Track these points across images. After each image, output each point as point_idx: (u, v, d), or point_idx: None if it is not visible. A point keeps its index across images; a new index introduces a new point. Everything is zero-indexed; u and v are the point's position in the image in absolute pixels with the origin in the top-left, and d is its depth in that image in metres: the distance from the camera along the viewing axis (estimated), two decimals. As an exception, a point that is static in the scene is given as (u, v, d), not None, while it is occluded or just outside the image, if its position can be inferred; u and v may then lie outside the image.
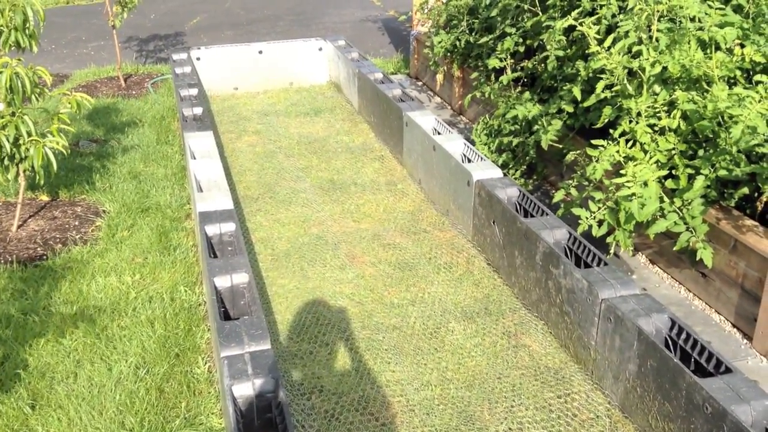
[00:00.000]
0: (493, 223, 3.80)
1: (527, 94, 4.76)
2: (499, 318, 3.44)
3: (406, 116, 5.03)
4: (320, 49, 7.12)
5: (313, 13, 10.84)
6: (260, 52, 6.97)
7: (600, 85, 3.54)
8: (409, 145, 5.04)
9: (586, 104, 3.72)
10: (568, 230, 3.38)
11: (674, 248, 3.50)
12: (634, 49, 3.50)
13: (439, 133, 4.75)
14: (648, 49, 3.39)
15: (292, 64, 7.09)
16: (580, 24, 3.63)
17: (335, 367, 3.11)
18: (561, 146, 4.38)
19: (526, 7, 4.57)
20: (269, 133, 5.98)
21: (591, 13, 4.10)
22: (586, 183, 3.84)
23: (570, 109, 3.91)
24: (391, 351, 3.21)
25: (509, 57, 4.83)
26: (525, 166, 4.90)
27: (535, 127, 4.42)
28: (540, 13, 4.50)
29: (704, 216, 3.43)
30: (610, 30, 3.84)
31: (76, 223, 4.38)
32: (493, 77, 5.18)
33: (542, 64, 4.70)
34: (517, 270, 3.58)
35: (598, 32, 3.69)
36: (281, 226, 4.39)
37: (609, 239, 3.64)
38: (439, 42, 5.97)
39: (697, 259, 3.38)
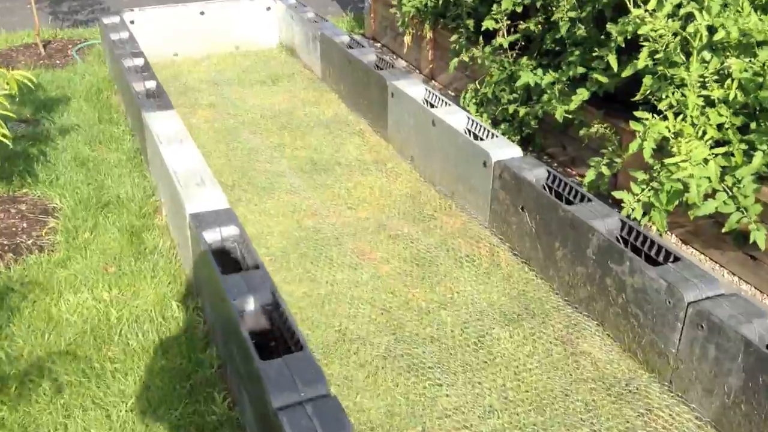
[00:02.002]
0: (522, 209, 3.40)
1: (525, 59, 4.35)
2: (546, 320, 3.06)
3: (392, 86, 4.53)
4: (268, 9, 6.46)
5: (242, -32, 9.99)
6: (201, 13, 6.25)
7: (644, 53, 3.16)
8: (396, 119, 4.56)
9: (625, 74, 3.33)
10: (621, 218, 3.02)
11: (723, 230, 3.20)
12: (681, 11, 3.12)
13: (433, 105, 4.28)
14: (702, 12, 3.02)
15: (237, 25, 6.41)
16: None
17: (380, 395, 2.66)
18: (571, 117, 4.00)
19: (528, -38, 4.12)
20: (225, 105, 5.35)
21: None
22: (617, 160, 3.49)
23: (605, 80, 3.52)
24: (437, 369, 2.79)
25: (505, 18, 4.38)
26: (520, 137, 4.51)
27: (545, 97, 4.01)
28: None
29: (757, 194, 3.14)
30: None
31: (24, 224, 3.71)
32: (481, 40, 4.73)
33: (542, 26, 4.28)
34: (557, 263, 3.20)
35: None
36: (269, 219, 3.85)
37: (643, 220, 3.31)
38: (410, 0, 5.45)
39: (751, 241, 3.10)
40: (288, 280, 3.33)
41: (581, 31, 3.86)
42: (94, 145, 4.61)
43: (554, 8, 4.02)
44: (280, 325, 2.45)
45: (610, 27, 3.36)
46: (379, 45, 6.73)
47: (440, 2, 5.17)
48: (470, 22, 5.05)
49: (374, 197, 4.09)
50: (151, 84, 4.53)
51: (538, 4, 4.16)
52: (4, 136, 3.50)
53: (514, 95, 4.41)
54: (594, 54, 3.53)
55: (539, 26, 4.23)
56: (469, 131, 3.97)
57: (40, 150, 4.47)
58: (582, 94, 3.60)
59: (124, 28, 5.60)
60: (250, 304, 2.51)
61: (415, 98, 4.33)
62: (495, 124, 4.60)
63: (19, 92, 3.66)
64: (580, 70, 3.78)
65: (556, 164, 4.47)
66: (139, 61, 4.93)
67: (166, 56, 6.24)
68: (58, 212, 3.83)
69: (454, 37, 5.14)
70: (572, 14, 3.81)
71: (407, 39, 5.83)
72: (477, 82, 4.75)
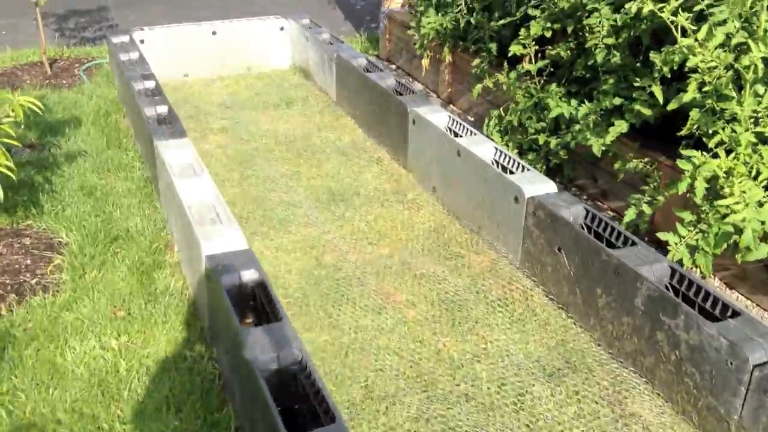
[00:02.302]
0: (559, 250, 3.18)
1: (554, 87, 4.14)
2: (589, 375, 2.84)
3: (413, 113, 4.32)
4: (282, 29, 6.28)
5: (251, -16, 9.84)
6: (213, 33, 6.07)
7: (692, 85, 2.95)
8: (417, 147, 4.35)
9: (670, 107, 3.12)
10: (670, 264, 2.80)
11: (776, 276, 2.98)
12: (734, 41, 2.92)
13: (457, 134, 4.08)
14: (757, 43, 2.81)
15: (249, 46, 6.23)
16: (660, 10, 3.01)
17: (413, 461, 2.44)
18: (605, 149, 3.79)
19: (560, -14, 3.92)
20: (238, 130, 5.15)
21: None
22: (659, 198, 3.27)
23: (648, 112, 3.30)
24: None
25: (533, 43, 4.18)
26: (546, 167, 4.31)
27: (576, 127, 3.80)
28: (577, -6, 3.86)
29: (814, 239, 2.92)
30: (697, 18, 3.24)
31: (28, 261, 3.50)
32: (505, 65, 4.52)
33: (572, 52, 4.08)
34: (599, 311, 2.98)
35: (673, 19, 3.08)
36: (287, 256, 3.63)
37: (686, 262, 3.09)
38: (429, 23, 5.26)
39: (807, 289, 2.88)
40: (308, 326, 3.11)
41: (616, 58, 3.66)
42: (102, 173, 4.41)
43: (587, 34, 3.82)
44: (307, 388, 2.23)
45: (653, 56, 3.15)
46: (394, 67, 6.54)
47: (461, 25, 4.97)
48: (493, 46, 4.86)
49: (396, 231, 3.87)
50: (162, 109, 4.33)
51: (569, 29, 3.96)
52: (8, 168, 3.30)
53: (542, 124, 4.21)
54: (635, 84, 3.31)
55: (569, 52, 4.03)
56: (497, 162, 3.76)
57: (45, 178, 4.27)
58: (620, 126, 3.39)
59: (134, 48, 5.41)
60: (274, 364, 2.29)
61: (438, 126, 4.13)
62: (521, 153, 4.39)
63: (24, 116, 3.46)
64: (617, 101, 3.57)
65: (585, 197, 4.25)
66: (150, 84, 4.74)
67: (176, 77, 6.05)
68: (64, 248, 3.62)
69: (476, 62, 4.95)
70: (609, 41, 3.60)
71: (425, 62, 5.64)
72: (501, 109, 4.55)
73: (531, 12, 4.16)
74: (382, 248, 3.72)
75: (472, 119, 5.39)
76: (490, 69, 4.90)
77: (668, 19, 2.96)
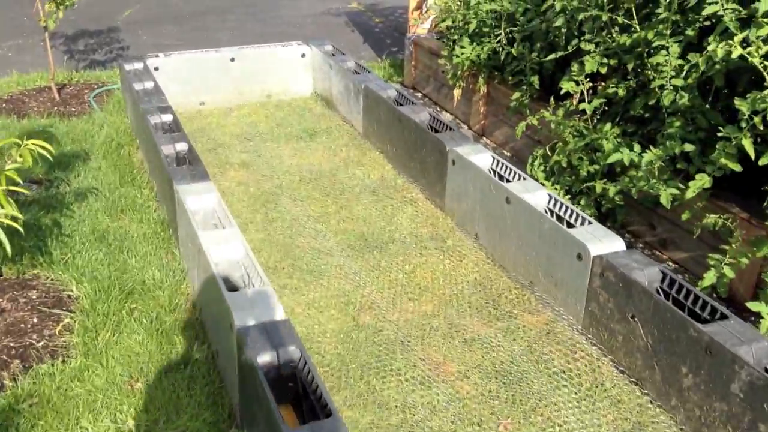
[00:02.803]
0: (633, 318, 2.83)
1: (608, 127, 3.81)
2: (677, 467, 2.48)
3: (453, 153, 3.99)
4: (303, 56, 5.96)
5: (266, 5, 9.57)
6: (232, 59, 5.75)
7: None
8: (456, 189, 4.01)
9: (763, 162, 2.78)
10: (770, 344, 2.44)
11: None
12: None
13: (502, 177, 3.74)
14: None
15: (269, 73, 5.91)
16: (749, 54, 2.68)
17: None
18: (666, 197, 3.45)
19: (620, 20, 3.59)
20: (260, 165, 4.81)
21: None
22: (742, 260, 2.92)
23: (737, 167, 2.95)
24: None
25: (587, 80, 3.85)
26: (597, 212, 3.96)
27: (638, 173, 3.46)
28: (638, 29, 3.53)
29: None
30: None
31: (35, 319, 3.15)
32: (552, 100, 4.19)
33: (628, 90, 3.75)
34: (683, 392, 2.62)
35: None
36: (320, 314, 3.29)
37: (772, 331, 2.74)
38: (464, 53, 4.94)
39: None
40: (350, 403, 2.75)
41: (684, 99, 3.32)
42: (115, 215, 4.07)
43: (650, 72, 3.49)
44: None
45: (739, 103, 2.81)
46: (420, 95, 6.22)
47: (502, 56, 4.64)
48: (535, 79, 4.54)
49: (438, 284, 3.53)
50: (182, 147, 4.00)
51: (629, 66, 3.62)
52: (14, 219, 2.97)
53: (595, 166, 3.86)
54: (720, 134, 2.97)
55: (625, 90, 3.69)
56: (551, 211, 3.42)
57: (54, 220, 3.93)
58: (701, 180, 3.04)
59: (149, 77, 5.09)
60: (326, 472, 1.94)
61: (482, 168, 3.79)
62: (570, 196, 4.04)
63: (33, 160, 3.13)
64: (688, 147, 3.23)
65: (642, 245, 3.91)
66: (168, 118, 4.41)
67: (191, 106, 5.73)
68: (75, 303, 3.27)
69: (515, 95, 4.62)
70: (677, 82, 3.27)
71: (456, 92, 5.32)
72: (547, 148, 4.21)
73: (584, 46, 3.83)
74: (424, 305, 3.37)
75: (509, 154, 5.05)
76: (532, 103, 4.57)
77: (761, 64, 2.62)
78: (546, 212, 3.44)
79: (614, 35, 3.67)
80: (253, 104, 5.88)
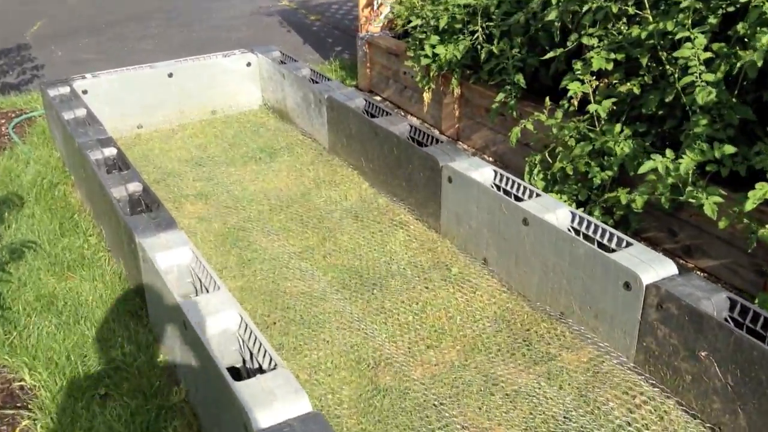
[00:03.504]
0: (706, 356, 2.45)
1: (617, 128, 3.44)
2: None
3: (448, 169, 3.54)
4: (248, 65, 5.39)
5: (189, 9, 8.88)
6: (170, 75, 5.13)
7: None
8: (455, 208, 3.57)
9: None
10: None
11: None
12: None
13: (513, 195, 3.32)
14: None
15: (212, 87, 5.32)
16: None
17: None
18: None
19: (630, 10, 3.20)
20: (219, 195, 4.25)
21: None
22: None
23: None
24: None
25: (594, 79, 3.46)
26: (611, 219, 3.60)
27: (669, 180, 3.09)
28: (651, 19, 3.16)
29: None
30: None
31: (-18, 426, 2.55)
32: (547, 101, 3.79)
33: (642, 87, 3.38)
34: (783, 441, 2.26)
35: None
36: (331, 378, 2.79)
37: None
38: (437, 53, 4.49)
39: None
40: (395, 495, 2.28)
41: (712, 95, 2.97)
42: (61, 273, 3.46)
43: (668, 66, 3.12)
44: None
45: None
46: (379, 99, 5.74)
47: (483, 54, 4.21)
48: (519, 78, 4.13)
49: (456, 325, 3.08)
50: (135, 187, 3.42)
51: (643, 61, 3.24)
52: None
53: (608, 173, 3.49)
54: (702, 122, 2.62)
55: (640, 88, 3.32)
56: (576, 230, 3.02)
57: (-12, 288, 3.29)
58: (762, 189, 2.67)
59: (78, 103, 4.45)
60: None
61: (487, 185, 3.36)
62: (581, 205, 3.66)
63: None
64: (729, 149, 2.87)
65: (661, 252, 3.55)
66: (111, 152, 3.80)
67: (128, 130, 5.10)
68: (31, 397, 2.67)
69: (499, 96, 4.20)
70: (709, 77, 2.91)
71: (426, 96, 4.86)
72: (547, 154, 3.81)
73: (587, 41, 3.43)
74: (447, 352, 2.92)
75: (491, 159, 4.64)
76: (518, 104, 4.17)
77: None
78: (570, 230, 3.03)
79: (621, 27, 3.28)
80: (198, 123, 5.28)
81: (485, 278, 3.39)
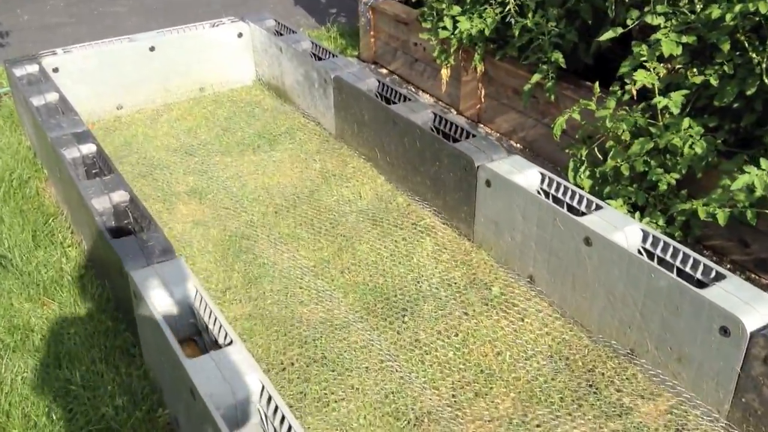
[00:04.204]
0: (832, 426, 2.02)
1: (686, 122, 2.95)
2: None
3: (486, 171, 3.05)
4: (240, 35, 4.80)
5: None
6: (152, 48, 4.54)
7: None
8: (493, 216, 3.09)
9: None
10: None
11: None
12: None
13: (565, 203, 2.84)
14: None
15: (199, 60, 4.73)
16: None
17: None
18: None
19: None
20: (216, 192, 3.73)
21: None
22: None
23: None
24: None
25: (661, 66, 2.95)
26: (665, 223, 3.14)
27: (757, 193, 2.63)
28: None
29: None
30: None
31: None
32: (596, 87, 3.28)
33: (718, 77, 2.89)
34: None
35: None
36: (369, 441, 2.33)
37: None
38: (460, 27, 3.94)
39: None
40: None
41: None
42: (36, 297, 2.94)
43: (753, 53, 2.62)
44: None
45: None
46: (385, 72, 5.18)
47: (516, 30, 3.67)
48: (558, 56, 3.61)
49: (506, 363, 2.63)
50: (120, 197, 2.89)
51: (724, 47, 2.74)
52: None
53: (674, 176, 3.01)
54: None
55: (718, 78, 2.82)
56: (649, 253, 2.56)
57: (-52, 322, 2.77)
58: None
59: (49, 86, 3.86)
60: None
61: (533, 192, 2.88)
62: (637, 210, 3.19)
63: None
64: None
65: (729, 265, 3.11)
66: (89, 149, 3.26)
67: (107, 112, 4.52)
68: (3, 475, 2.19)
69: (535, 77, 3.69)
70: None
71: (444, 72, 4.32)
72: (595, 148, 3.32)
73: (651, 20, 2.90)
74: (500, 402, 2.47)
75: (518, 146, 4.15)
76: (558, 88, 3.66)
77: None
78: (641, 253, 2.57)
79: (696, 5, 2.76)
80: (185, 102, 4.70)
81: (533, 301, 2.92)
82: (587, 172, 3.35)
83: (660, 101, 2.89)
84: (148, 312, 2.30)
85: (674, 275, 2.38)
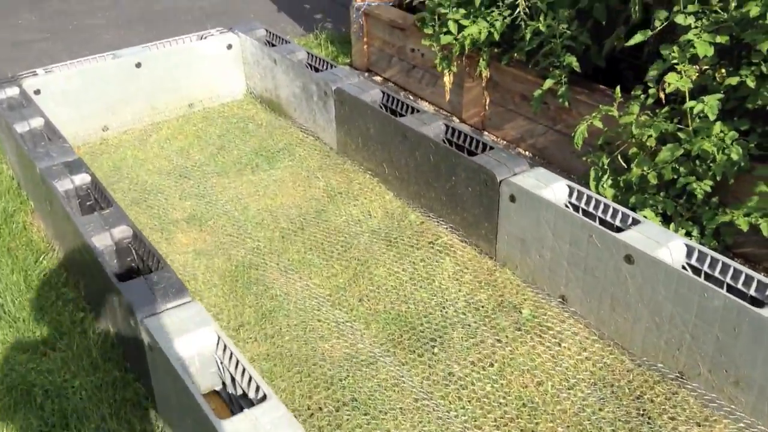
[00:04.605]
0: None
1: (717, 127, 2.80)
2: None
3: (510, 186, 2.88)
4: (229, 47, 4.58)
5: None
6: (138, 65, 4.30)
7: None
8: (518, 233, 2.92)
9: None
10: None
11: None
12: None
13: (597, 217, 2.68)
14: None
15: (187, 75, 4.51)
16: None
17: None
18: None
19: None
20: (216, 218, 3.52)
21: None
22: None
23: None
24: None
25: (692, 67, 2.80)
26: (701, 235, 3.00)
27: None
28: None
29: None
30: None
31: None
32: (617, 92, 3.12)
33: (755, 79, 2.74)
34: None
35: None
36: (414, 493, 2.15)
37: None
38: (465, 32, 3.77)
39: None
40: None
41: None
42: (34, 347, 2.72)
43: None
44: None
45: None
46: (379, 79, 4.99)
47: (528, 33, 3.51)
48: (572, 60, 3.45)
49: (548, 394, 2.46)
50: (123, 232, 2.67)
51: (764, 47, 2.59)
52: None
53: (708, 183, 2.86)
54: None
55: (755, 79, 2.68)
56: (695, 269, 2.41)
57: (-60, 380, 2.54)
58: None
59: (33, 110, 3.63)
60: None
61: (564, 207, 2.71)
62: (668, 220, 3.04)
63: None
64: None
65: (763, 273, 2.97)
66: (83, 179, 3.04)
67: (92, 134, 4.29)
68: None
69: (547, 82, 3.52)
70: None
71: (447, 79, 4.14)
72: (619, 156, 3.16)
73: (682, 20, 2.75)
74: (548, 438, 2.30)
75: (528, 153, 3.99)
76: (571, 93, 3.50)
77: None
78: (686, 269, 2.42)
79: (731, 4, 2.61)
80: (174, 120, 4.48)
81: (568, 323, 2.76)
82: (609, 181, 3.19)
83: (694, 106, 2.73)
84: (165, 363, 2.10)
85: (728, 293, 2.23)
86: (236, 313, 2.89)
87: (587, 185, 3.29)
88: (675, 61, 2.77)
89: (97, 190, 2.96)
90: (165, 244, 3.33)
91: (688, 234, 2.97)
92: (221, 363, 2.15)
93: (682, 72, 2.75)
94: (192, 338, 2.15)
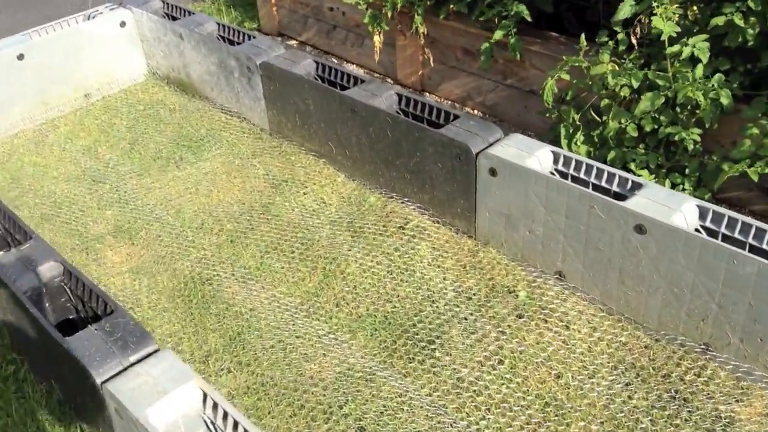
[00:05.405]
0: None
1: (700, 69, 2.60)
2: None
3: (490, 158, 2.59)
4: (123, 25, 4.02)
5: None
6: (20, 57, 3.70)
7: None
8: (502, 209, 2.65)
9: None
10: None
11: None
12: None
13: (591, 183, 2.45)
14: None
15: (78, 61, 3.94)
16: None
17: None
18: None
19: None
20: (148, 226, 3.07)
21: None
22: None
23: None
24: None
25: (678, 7, 2.56)
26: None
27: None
28: None
29: None
30: None
31: None
32: (583, 39, 2.87)
33: (742, 16, 2.54)
34: None
35: None
36: None
37: None
38: (396, -17, 3.41)
39: None
40: None
41: None
42: (-41, 421, 2.24)
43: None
44: None
45: None
46: (295, 43, 4.55)
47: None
48: (522, 8, 3.16)
49: (570, 387, 2.24)
50: (51, 270, 2.21)
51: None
52: None
53: (695, 132, 2.67)
54: None
55: (742, 17, 2.47)
56: (710, 231, 2.22)
57: None
58: None
59: None
60: None
61: (557, 178, 2.45)
62: (653, 172, 2.84)
63: None
64: None
65: (749, 214, 2.84)
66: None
67: (-24, 142, 3.67)
68: None
69: (497, 33, 3.23)
70: None
71: (377, 39, 3.76)
72: (591, 110, 2.92)
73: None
74: (584, 439, 2.08)
75: (478, 113, 3.71)
76: (519, 42, 3.22)
77: None
78: (700, 232, 2.22)
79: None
80: (71, 115, 3.92)
81: (571, 302, 2.53)
82: (582, 137, 2.96)
83: (680, 50, 2.51)
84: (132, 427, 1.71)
85: (762, 259, 2.04)
86: (199, 340, 2.49)
87: (553, 143, 3.04)
88: (655, 2, 2.52)
89: (9, 221, 2.45)
90: (94, 266, 2.86)
91: (674, 186, 2.79)
92: (212, 423, 1.78)
93: (661, 14, 2.51)
94: (172, 400, 1.77)
